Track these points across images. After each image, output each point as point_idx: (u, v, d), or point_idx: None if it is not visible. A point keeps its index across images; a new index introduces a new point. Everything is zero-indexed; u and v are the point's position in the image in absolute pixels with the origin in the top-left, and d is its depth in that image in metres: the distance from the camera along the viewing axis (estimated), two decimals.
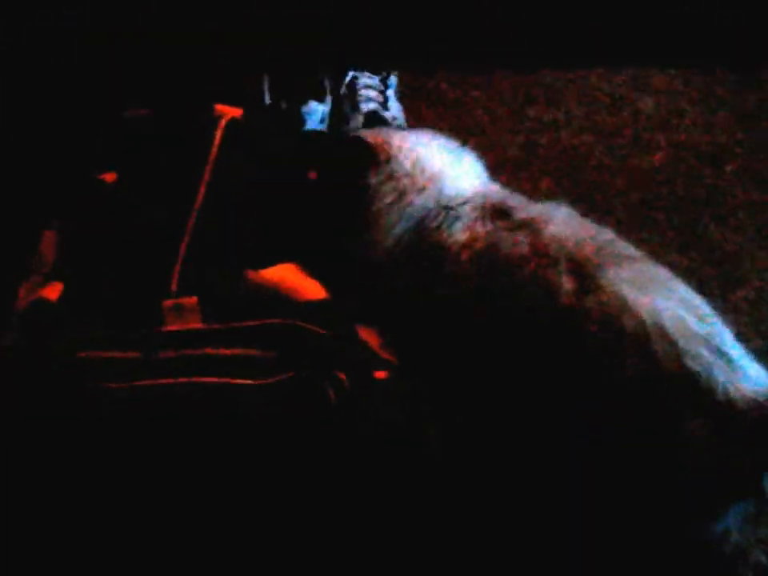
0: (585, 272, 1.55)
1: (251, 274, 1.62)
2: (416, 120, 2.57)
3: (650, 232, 2.32)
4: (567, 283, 1.54)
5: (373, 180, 1.74)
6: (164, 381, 1.52)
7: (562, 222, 1.65)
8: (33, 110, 1.95)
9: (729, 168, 2.48)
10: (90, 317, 1.60)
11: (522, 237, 1.63)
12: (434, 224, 1.71)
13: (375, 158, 1.76)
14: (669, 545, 1.49)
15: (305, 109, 2.43)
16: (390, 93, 2.52)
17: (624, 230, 2.14)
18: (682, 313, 1.49)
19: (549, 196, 2.06)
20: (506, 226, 1.66)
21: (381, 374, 1.64)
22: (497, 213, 1.69)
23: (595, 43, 2.52)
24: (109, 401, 1.52)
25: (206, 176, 1.72)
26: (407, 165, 1.76)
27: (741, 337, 2.02)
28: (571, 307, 1.53)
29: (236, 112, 1.81)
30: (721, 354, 1.47)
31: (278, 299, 1.61)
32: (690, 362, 1.45)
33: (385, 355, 1.70)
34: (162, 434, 1.52)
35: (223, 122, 1.78)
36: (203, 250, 1.65)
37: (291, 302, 1.61)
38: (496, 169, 1.96)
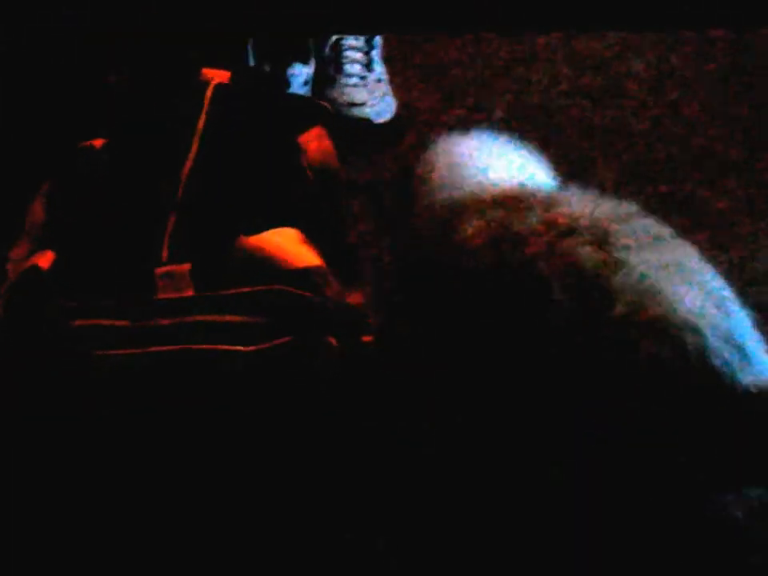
0: (609, 246, 1.50)
1: (243, 241, 1.63)
2: (401, 82, 2.59)
3: (638, 195, 2.34)
4: (591, 254, 1.50)
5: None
6: (157, 348, 1.54)
7: (578, 199, 1.62)
8: (19, 75, 1.95)
9: (719, 130, 2.50)
10: (82, 285, 1.61)
11: (532, 214, 1.61)
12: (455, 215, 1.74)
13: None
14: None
15: (289, 71, 2.45)
16: (375, 54, 2.54)
17: (613, 191, 2.20)
18: (709, 305, 1.45)
19: None
20: (517, 207, 1.65)
21: (368, 338, 1.68)
22: (511, 199, 1.68)
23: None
24: (102, 369, 1.54)
25: (196, 141, 1.72)
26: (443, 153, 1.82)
27: None
28: (597, 283, 1.49)
29: (223, 76, 1.82)
30: (742, 353, 1.45)
31: (271, 265, 1.62)
32: (713, 359, 1.43)
33: (374, 321, 1.73)
34: (156, 401, 1.54)
35: (211, 86, 1.79)
36: (195, 217, 1.66)
37: (283, 268, 1.62)
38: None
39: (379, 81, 2.51)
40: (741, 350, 1.46)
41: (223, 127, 1.76)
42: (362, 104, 2.45)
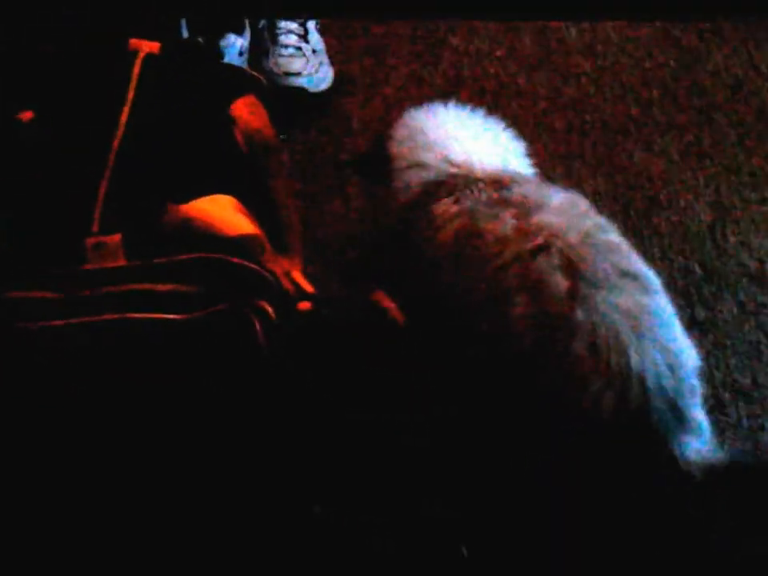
0: (579, 277, 1.55)
1: (177, 209, 1.66)
2: (337, 53, 2.61)
3: (575, 158, 2.39)
4: (562, 283, 1.55)
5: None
6: (89, 319, 1.57)
7: (556, 208, 1.66)
8: None
9: (654, 92, 2.55)
10: (12, 258, 1.63)
11: (508, 215, 1.65)
12: (432, 190, 1.78)
13: None
14: None
15: (223, 42, 2.46)
16: (311, 25, 2.56)
17: (548, 157, 2.25)
18: (660, 362, 1.53)
19: None
20: (492, 200, 1.69)
21: (305, 305, 1.71)
22: (491, 183, 1.72)
23: None
24: (34, 341, 1.56)
25: (125, 112, 1.74)
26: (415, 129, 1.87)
27: (664, 258, 2.15)
28: (560, 312, 1.54)
29: (153, 47, 1.83)
30: (680, 416, 1.56)
31: (206, 233, 1.65)
32: (652, 415, 1.53)
33: (309, 288, 1.77)
34: (90, 372, 1.57)
35: (140, 57, 1.80)
36: (125, 187, 1.67)
37: (218, 235, 1.65)
38: (421, 101, 2.01)
39: (315, 51, 2.53)
40: (680, 414, 1.56)
41: (153, 97, 1.77)
42: (298, 74, 2.47)
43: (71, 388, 1.57)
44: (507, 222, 1.63)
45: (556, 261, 1.57)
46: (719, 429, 1.93)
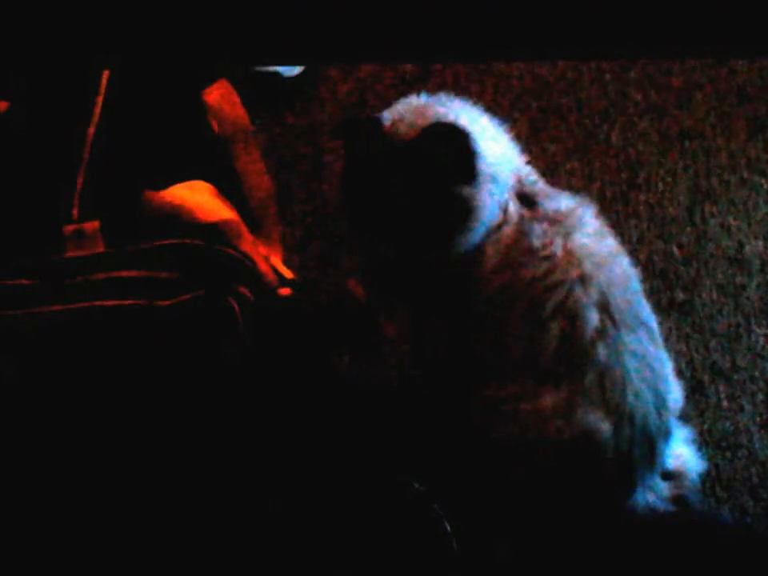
0: (607, 313, 1.63)
1: (155, 195, 1.68)
2: None
3: (552, 140, 2.42)
4: (594, 318, 1.62)
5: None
6: (68, 306, 1.59)
7: (591, 230, 1.69)
8: None
9: (632, 74, 2.56)
10: None
11: (552, 233, 1.66)
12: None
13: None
14: None
15: None
16: None
17: (525, 139, 2.27)
18: (650, 403, 1.64)
19: None
20: (534, 215, 1.68)
21: (284, 291, 1.74)
22: (522, 197, 1.70)
23: None
24: (13, 329, 1.59)
25: (100, 99, 1.76)
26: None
27: (642, 241, 2.19)
28: (588, 341, 1.62)
29: None
30: (654, 455, 1.67)
31: (183, 219, 1.67)
32: (635, 450, 1.64)
33: (288, 273, 1.80)
34: (69, 359, 1.59)
35: None
36: (102, 175, 1.70)
37: (196, 221, 1.68)
38: (395, 85, 2.03)
39: None
40: (654, 455, 1.68)
41: (126, 83, 1.79)
42: None
43: (51, 375, 1.59)
44: (557, 242, 1.66)
45: (594, 296, 1.63)
46: (699, 410, 1.99)
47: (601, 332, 1.62)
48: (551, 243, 1.65)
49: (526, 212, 1.67)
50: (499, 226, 1.66)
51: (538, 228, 1.66)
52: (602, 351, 1.61)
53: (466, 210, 1.63)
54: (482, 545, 1.70)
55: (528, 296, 1.65)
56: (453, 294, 1.68)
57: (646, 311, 1.70)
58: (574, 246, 1.65)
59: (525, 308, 1.64)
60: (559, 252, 1.64)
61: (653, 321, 1.70)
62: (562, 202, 1.71)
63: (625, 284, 1.68)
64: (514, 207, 1.67)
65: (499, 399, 1.64)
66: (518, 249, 1.66)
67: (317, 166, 2.35)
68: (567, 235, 1.66)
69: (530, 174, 1.74)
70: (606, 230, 1.72)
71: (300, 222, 2.25)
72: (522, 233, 1.66)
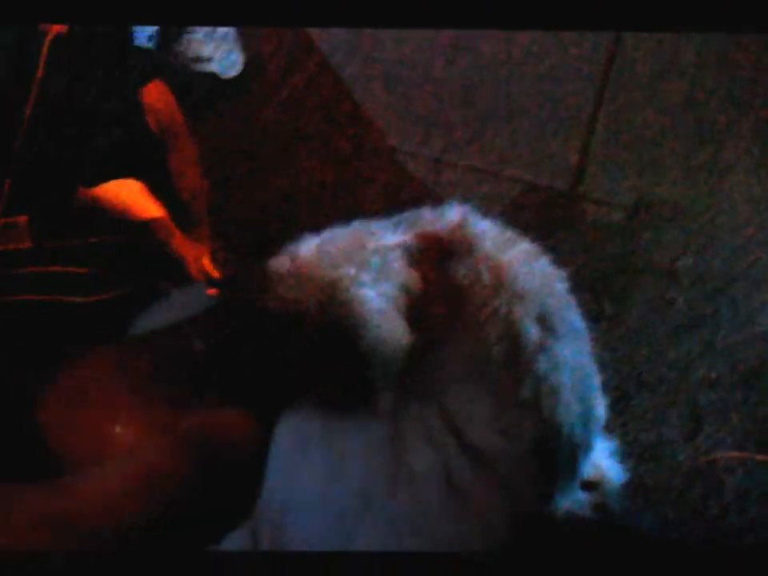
0: (547, 326, 1.68)
1: (85, 192, 1.72)
2: (249, 37, 2.67)
3: (493, 150, 2.49)
4: (532, 330, 1.67)
5: None
6: None
7: (520, 253, 1.74)
8: None
9: (568, 87, 2.63)
10: None
11: (481, 268, 1.71)
12: None
13: None
14: None
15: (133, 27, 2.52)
16: None
17: (463, 147, 2.32)
18: (577, 415, 1.69)
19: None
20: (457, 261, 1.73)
21: (212, 291, 1.79)
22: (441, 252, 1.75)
23: None
24: None
25: (33, 95, 1.79)
26: None
27: (575, 252, 2.24)
28: (528, 357, 1.67)
29: (61, 28, 1.86)
30: (574, 465, 1.72)
31: (113, 217, 1.72)
32: (559, 457, 1.69)
33: (215, 273, 1.85)
34: None
35: (48, 39, 1.84)
36: (33, 169, 1.73)
37: (126, 219, 1.73)
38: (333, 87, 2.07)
39: (225, 37, 2.59)
40: (574, 464, 1.72)
41: (61, 80, 1.82)
42: (209, 59, 2.53)
43: None
44: (483, 271, 1.71)
45: (528, 313, 1.69)
46: (623, 421, 2.05)
47: (541, 346, 1.67)
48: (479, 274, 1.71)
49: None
50: None
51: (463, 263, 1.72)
52: (543, 363, 1.67)
53: None
54: None
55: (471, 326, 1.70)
56: None
57: (579, 319, 1.76)
58: (500, 270, 1.70)
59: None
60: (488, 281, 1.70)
61: (584, 329, 1.77)
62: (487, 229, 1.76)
63: (557, 293, 1.74)
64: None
65: None
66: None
67: (249, 164, 2.40)
68: (488, 259, 1.71)
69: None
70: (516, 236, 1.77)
71: (232, 221, 2.30)
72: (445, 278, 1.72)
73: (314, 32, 2.71)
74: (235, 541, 1.56)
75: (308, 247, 1.69)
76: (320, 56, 2.69)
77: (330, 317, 1.63)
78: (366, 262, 1.66)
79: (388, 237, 1.72)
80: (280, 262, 1.67)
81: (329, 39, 2.71)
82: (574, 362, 1.71)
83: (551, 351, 1.69)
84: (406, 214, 1.77)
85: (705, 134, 2.51)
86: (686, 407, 2.08)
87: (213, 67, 2.53)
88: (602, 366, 1.95)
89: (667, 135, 2.51)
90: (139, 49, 2.36)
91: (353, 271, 1.64)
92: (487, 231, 1.76)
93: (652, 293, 2.24)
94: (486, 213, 1.77)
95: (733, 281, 2.26)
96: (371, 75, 2.65)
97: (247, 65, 2.62)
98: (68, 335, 1.64)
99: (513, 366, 1.68)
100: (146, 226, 1.74)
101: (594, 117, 2.52)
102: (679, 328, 2.19)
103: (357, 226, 1.74)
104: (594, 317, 2.11)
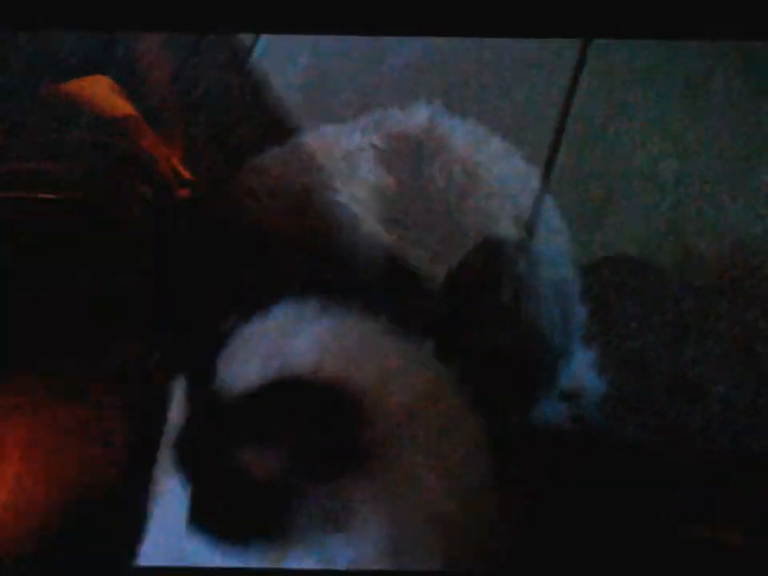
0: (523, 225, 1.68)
1: (56, 88, 1.69)
2: None
3: None
4: (510, 229, 1.67)
5: None
6: None
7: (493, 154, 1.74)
8: None
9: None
10: None
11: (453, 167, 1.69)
12: None
13: None
14: None
15: None
16: None
17: None
18: (558, 319, 1.71)
19: None
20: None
21: (184, 192, 1.77)
22: None
23: None
24: None
25: None
26: None
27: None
28: (503, 262, 1.66)
29: None
30: (555, 374, 1.73)
31: (85, 114, 1.68)
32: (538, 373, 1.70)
33: (187, 174, 1.82)
34: None
35: None
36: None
37: (98, 116, 1.69)
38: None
39: None
40: (554, 371, 1.72)
41: None
42: None
43: None
44: (456, 170, 1.70)
45: (510, 211, 1.68)
46: (604, 329, 2.03)
47: (519, 244, 1.67)
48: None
49: None
50: None
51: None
52: (521, 263, 1.66)
53: None
54: None
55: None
56: None
57: (558, 220, 1.76)
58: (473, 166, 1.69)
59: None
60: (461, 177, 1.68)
61: (565, 231, 1.75)
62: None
63: (532, 191, 1.73)
64: None
65: None
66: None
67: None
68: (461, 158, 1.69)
69: None
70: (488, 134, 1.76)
71: (203, 124, 2.26)
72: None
73: None
74: None
75: (275, 157, 1.68)
76: None
77: (306, 225, 1.61)
78: (336, 167, 1.64)
79: (356, 139, 1.69)
80: (247, 175, 1.66)
81: None
82: (553, 263, 1.69)
83: (529, 251, 1.67)
84: (374, 115, 1.75)
85: None
86: (670, 314, 2.07)
87: None
88: (582, 270, 1.94)
89: None
90: None
91: (324, 177, 1.62)
92: (458, 129, 1.73)
93: (634, 198, 2.21)
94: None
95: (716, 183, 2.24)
96: None
97: None
98: (37, 232, 1.61)
99: (490, 266, 1.66)
100: (119, 123, 1.70)
101: None
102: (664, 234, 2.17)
103: (324, 130, 1.72)
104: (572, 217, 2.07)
